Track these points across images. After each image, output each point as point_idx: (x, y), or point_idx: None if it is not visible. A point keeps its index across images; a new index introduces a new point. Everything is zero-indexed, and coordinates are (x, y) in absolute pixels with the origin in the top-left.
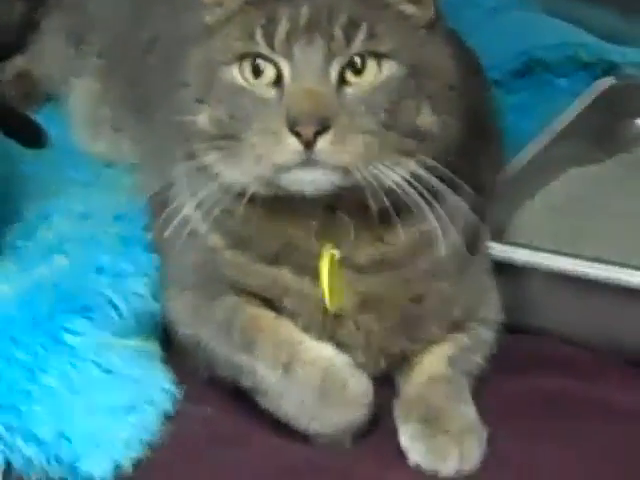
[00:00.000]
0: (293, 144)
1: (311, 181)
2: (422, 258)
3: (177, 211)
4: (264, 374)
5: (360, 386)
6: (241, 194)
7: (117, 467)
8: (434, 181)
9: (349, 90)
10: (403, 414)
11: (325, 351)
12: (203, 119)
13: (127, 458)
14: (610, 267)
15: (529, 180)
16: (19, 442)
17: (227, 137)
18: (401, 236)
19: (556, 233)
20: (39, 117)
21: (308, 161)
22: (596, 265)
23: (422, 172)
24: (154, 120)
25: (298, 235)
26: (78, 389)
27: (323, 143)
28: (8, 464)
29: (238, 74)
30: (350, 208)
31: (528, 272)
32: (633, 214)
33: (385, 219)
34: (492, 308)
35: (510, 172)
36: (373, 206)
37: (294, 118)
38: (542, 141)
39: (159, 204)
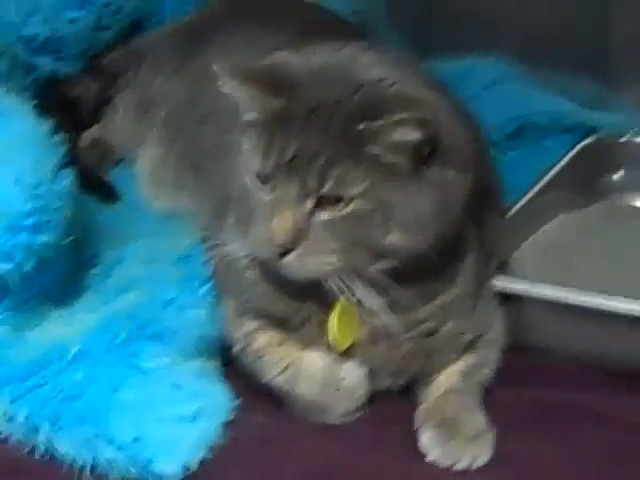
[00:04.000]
0: (269, 252)
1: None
2: (430, 305)
3: (230, 253)
4: (277, 389)
5: (351, 384)
6: None
7: (185, 467)
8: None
9: (319, 217)
10: (422, 421)
11: (321, 362)
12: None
13: (194, 459)
14: (594, 297)
15: (524, 224)
16: (102, 447)
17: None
18: (410, 289)
19: (549, 268)
20: (112, 177)
21: (281, 265)
22: (582, 294)
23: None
24: (208, 179)
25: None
26: (152, 402)
27: (288, 259)
28: (93, 465)
29: (255, 184)
30: None
31: (526, 301)
32: (611, 252)
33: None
34: (497, 331)
35: (508, 218)
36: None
37: (274, 239)
38: (534, 192)
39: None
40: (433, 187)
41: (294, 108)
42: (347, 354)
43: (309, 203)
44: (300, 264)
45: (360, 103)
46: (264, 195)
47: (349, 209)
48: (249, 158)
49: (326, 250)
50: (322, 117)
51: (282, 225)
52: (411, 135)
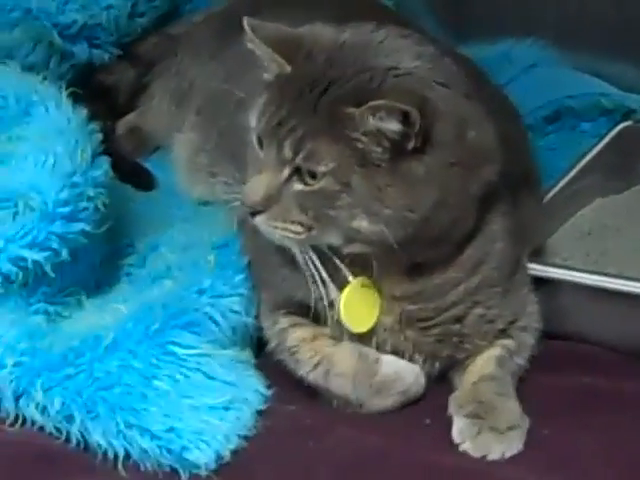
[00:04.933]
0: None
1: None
2: (454, 292)
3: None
4: (312, 384)
5: (383, 380)
6: None
7: (218, 456)
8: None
9: (292, 187)
10: (456, 409)
11: (353, 358)
12: None
13: (226, 449)
14: (631, 282)
15: (561, 209)
16: (136, 436)
17: None
18: (433, 279)
19: (585, 253)
20: (148, 164)
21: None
22: (619, 280)
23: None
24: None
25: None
26: (185, 392)
27: (257, 219)
28: (127, 454)
29: (255, 141)
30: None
31: (562, 287)
32: None
33: (415, 265)
34: (532, 317)
35: (545, 203)
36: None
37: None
38: (570, 176)
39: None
40: (410, 182)
41: (297, 77)
42: (373, 339)
43: (285, 171)
44: (267, 227)
45: (355, 87)
46: (259, 155)
47: (319, 185)
48: (251, 115)
49: (292, 219)
50: (316, 92)
51: (256, 187)
52: (390, 124)
